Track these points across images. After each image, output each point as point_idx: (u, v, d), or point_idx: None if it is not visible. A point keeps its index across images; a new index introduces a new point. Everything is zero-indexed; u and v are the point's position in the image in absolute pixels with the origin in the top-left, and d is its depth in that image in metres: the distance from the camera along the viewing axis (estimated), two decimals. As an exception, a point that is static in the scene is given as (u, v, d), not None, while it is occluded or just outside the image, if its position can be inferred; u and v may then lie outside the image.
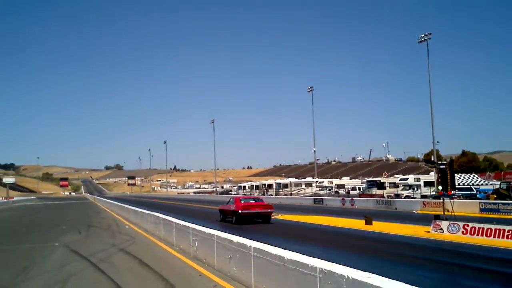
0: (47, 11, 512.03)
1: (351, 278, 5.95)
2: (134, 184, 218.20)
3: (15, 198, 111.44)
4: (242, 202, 29.63)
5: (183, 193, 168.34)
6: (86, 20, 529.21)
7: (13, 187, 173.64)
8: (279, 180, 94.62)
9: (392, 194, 53.51)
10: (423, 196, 48.54)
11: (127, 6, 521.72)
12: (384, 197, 49.31)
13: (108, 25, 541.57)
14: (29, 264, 13.68)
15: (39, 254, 15.86)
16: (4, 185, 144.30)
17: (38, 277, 11.75)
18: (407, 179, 62.90)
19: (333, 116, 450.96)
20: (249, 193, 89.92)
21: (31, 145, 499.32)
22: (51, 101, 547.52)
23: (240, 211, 28.10)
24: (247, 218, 28.32)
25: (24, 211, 53.30)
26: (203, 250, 13.04)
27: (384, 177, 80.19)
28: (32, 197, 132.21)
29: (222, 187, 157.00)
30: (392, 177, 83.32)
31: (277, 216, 33.45)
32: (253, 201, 31.25)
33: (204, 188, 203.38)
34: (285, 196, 70.29)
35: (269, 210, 29.08)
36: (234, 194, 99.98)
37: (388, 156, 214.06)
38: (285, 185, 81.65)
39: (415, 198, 48.43)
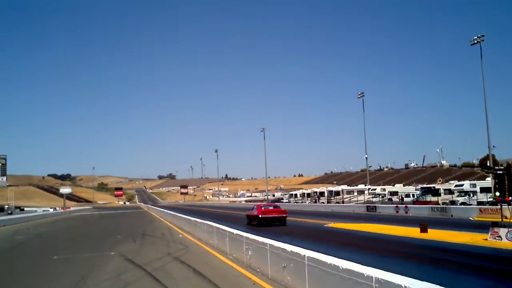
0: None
1: (408, 288, 5.84)
2: (186, 193, 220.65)
3: (71, 208, 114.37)
4: (263, 208, 35.11)
5: (235, 201, 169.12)
6: (137, 27, 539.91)
7: (70, 197, 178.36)
8: (330, 188, 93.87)
9: (447, 201, 52.33)
10: (479, 203, 47.24)
11: (182, 11, 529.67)
12: (439, 204, 48.30)
13: (156, 33, 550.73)
14: (86, 273, 13.97)
15: (96, 263, 16.19)
16: (61, 195, 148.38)
17: (95, 286, 12.00)
18: (462, 185, 61.35)
19: (385, 121, 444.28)
20: (300, 201, 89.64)
21: (87, 156, 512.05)
22: (105, 113, 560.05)
23: (260, 216, 33.49)
24: (267, 221, 33.25)
25: (80, 221, 54.61)
26: (256, 259, 13.04)
27: (438, 184, 78.30)
28: (88, 207, 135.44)
29: (274, 195, 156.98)
30: (447, 183, 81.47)
31: (330, 224, 33.42)
32: (272, 208, 36.55)
33: (256, 196, 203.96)
34: (337, 204, 69.63)
35: (284, 215, 34.21)
36: (286, 202, 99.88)
37: (442, 162, 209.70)
38: (337, 193, 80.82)
39: (471, 204, 47.23)
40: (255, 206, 37.41)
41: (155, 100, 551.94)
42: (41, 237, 31.80)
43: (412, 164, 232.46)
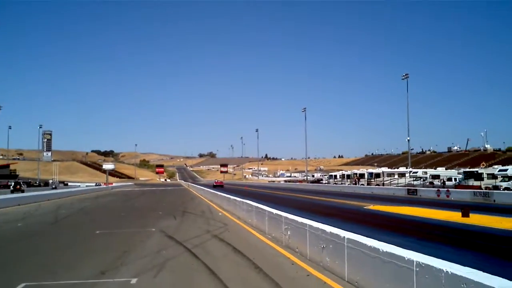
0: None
1: (450, 273, 5.75)
2: (226, 172, 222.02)
3: (114, 184, 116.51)
4: (215, 181, 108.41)
5: (274, 181, 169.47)
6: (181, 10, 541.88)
7: (112, 173, 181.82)
8: (371, 170, 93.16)
9: (490, 186, 51.34)
10: (523, 188, 46.26)
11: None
12: (482, 189, 47.44)
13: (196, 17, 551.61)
14: (128, 248, 14.19)
15: (137, 239, 16.45)
16: (104, 171, 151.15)
17: (137, 261, 12.16)
18: (506, 170, 59.79)
19: (429, 103, 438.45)
20: (340, 183, 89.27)
21: (130, 133, 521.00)
22: (148, 92, 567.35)
23: (214, 184, 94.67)
24: (216, 186, 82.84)
25: (122, 197, 55.47)
26: (295, 239, 13.04)
27: (481, 168, 76.85)
28: (130, 183, 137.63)
29: (313, 176, 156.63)
30: (490, 167, 79.85)
31: (369, 206, 33.19)
32: (219, 181, 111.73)
33: (295, 176, 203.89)
34: (377, 186, 69.06)
35: (222, 184, 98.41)
36: (325, 183, 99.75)
37: (486, 146, 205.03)
38: (377, 175, 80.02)
39: (515, 189, 46.26)
40: (214, 180, 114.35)
41: (197, 80, 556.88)
42: (84, 211, 32.41)
43: (455, 148, 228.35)
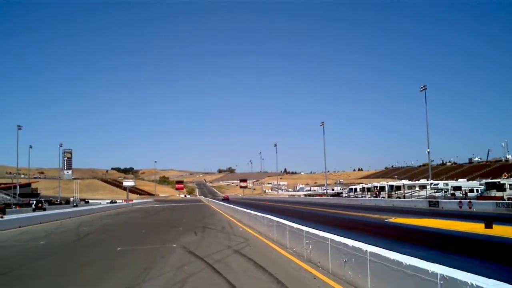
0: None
1: (475, 285, 5.67)
2: (245, 187, 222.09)
3: (134, 201, 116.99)
4: (223, 195, 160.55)
5: (294, 195, 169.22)
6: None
7: (132, 190, 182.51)
8: (391, 182, 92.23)
9: (513, 196, 50.73)
10: (546, 198, 45.62)
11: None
12: (505, 199, 46.86)
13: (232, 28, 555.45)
14: (149, 264, 14.25)
15: (158, 255, 16.48)
16: (125, 188, 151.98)
17: (159, 277, 12.19)
18: (529, 179, 59.19)
19: (448, 114, 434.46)
20: (360, 196, 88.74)
21: (149, 150, 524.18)
22: (167, 109, 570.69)
23: (223, 198, 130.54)
24: (225, 200, 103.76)
25: (143, 213, 55.69)
26: (317, 253, 12.98)
27: (503, 178, 75.86)
28: (150, 200, 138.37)
29: (333, 189, 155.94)
30: (512, 178, 78.83)
31: (391, 219, 32.93)
32: (226, 195, 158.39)
33: (315, 190, 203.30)
34: (398, 199, 68.45)
35: (228, 198, 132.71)
36: (345, 196, 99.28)
37: (507, 156, 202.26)
38: (398, 187, 79.30)
39: (538, 200, 45.62)
40: (222, 195, 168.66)
41: (215, 96, 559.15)
42: (105, 228, 32.54)
43: (476, 159, 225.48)
